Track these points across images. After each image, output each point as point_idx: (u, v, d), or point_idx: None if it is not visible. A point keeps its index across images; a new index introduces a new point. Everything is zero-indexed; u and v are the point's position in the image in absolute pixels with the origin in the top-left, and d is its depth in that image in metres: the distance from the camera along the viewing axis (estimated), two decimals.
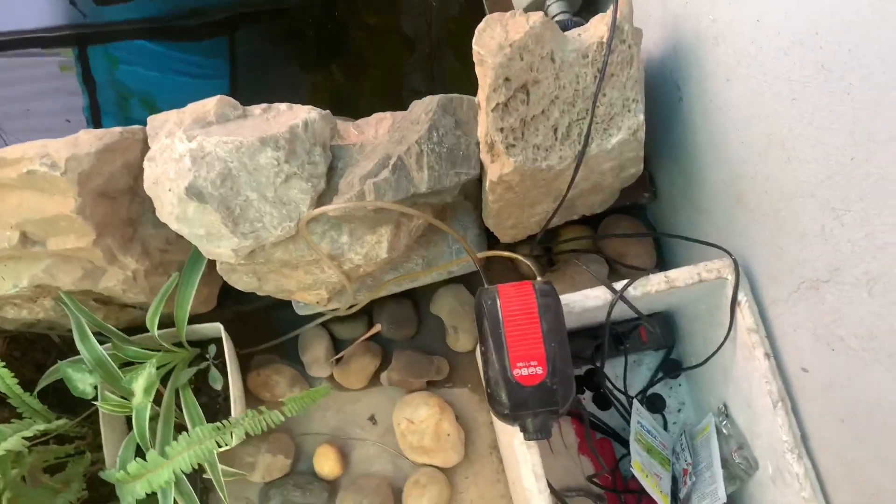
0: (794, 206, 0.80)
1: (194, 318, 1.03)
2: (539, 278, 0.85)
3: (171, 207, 0.81)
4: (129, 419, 0.96)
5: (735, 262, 0.91)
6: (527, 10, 1.13)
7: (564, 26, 1.07)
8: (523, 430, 0.79)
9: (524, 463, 0.84)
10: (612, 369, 1.13)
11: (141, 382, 0.86)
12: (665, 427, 1.13)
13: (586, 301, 0.90)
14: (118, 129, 0.85)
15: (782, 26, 0.74)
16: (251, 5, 1.55)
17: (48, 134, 1.45)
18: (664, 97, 1.05)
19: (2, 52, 1.51)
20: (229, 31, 1.53)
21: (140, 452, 0.90)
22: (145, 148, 0.86)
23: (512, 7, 1.20)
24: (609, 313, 0.90)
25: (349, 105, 1.48)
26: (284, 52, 1.51)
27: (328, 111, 0.91)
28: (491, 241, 1.12)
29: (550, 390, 0.77)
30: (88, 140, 0.82)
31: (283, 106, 0.90)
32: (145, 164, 0.82)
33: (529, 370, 0.78)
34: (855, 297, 0.74)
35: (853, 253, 0.72)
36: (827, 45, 0.68)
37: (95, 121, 1.47)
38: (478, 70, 0.82)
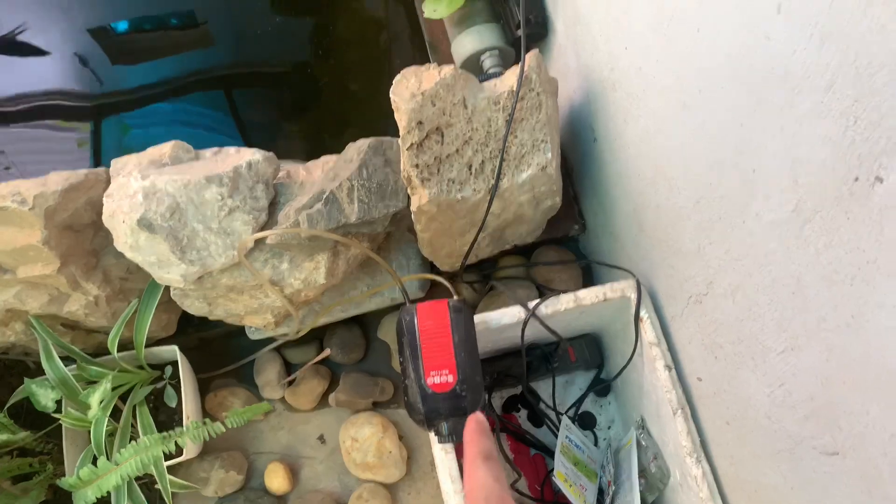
0: (678, 229, 0.90)
1: (157, 342, 1.13)
2: (455, 297, 0.95)
3: (125, 237, 0.91)
4: (89, 434, 1.04)
5: (637, 282, 1.01)
6: (463, 65, 1.27)
7: (497, 76, 1.20)
8: (437, 434, 0.87)
9: (441, 465, 0.92)
10: (548, 389, 1.21)
11: (97, 396, 0.95)
12: (596, 443, 1.21)
13: (503, 318, 0.99)
14: (84, 170, 0.96)
15: (656, 73, 0.86)
16: (249, 65, 1.69)
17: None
18: (583, 138, 1.16)
19: (28, 122, 1.65)
20: (227, 87, 1.67)
21: (95, 463, 0.98)
22: (108, 186, 0.97)
23: (454, 64, 1.33)
24: (523, 329, 0.99)
25: (333, 148, 1.60)
26: (278, 110, 1.65)
27: (272, 153, 1.02)
28: (435, 270, 1.22)
29: (460, 396, 0.86)
30: (56, 180, 0.93)
31: (231, 149, 1.01)
32: (104, 199, 0.92)
33: (441, 378, 0.87)
34: (725, 307, 0.83)
35: (720, 267, 0.82)
36: (686, 87, 0.79)
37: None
38: (396, 115, 0.93)
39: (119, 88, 1.67)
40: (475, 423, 0.61)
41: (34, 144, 1.65)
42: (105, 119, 1.65)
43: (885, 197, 0.53)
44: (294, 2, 1.69)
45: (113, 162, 0.98)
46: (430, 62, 1.41)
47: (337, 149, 1.60)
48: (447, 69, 0.92)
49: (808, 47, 0.57)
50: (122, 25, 1.72)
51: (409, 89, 0.90)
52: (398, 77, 0.92)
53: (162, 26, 1.74)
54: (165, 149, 0.97)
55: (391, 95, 0.91)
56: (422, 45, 1.45)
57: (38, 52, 1.73)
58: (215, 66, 1.68)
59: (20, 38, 1.73)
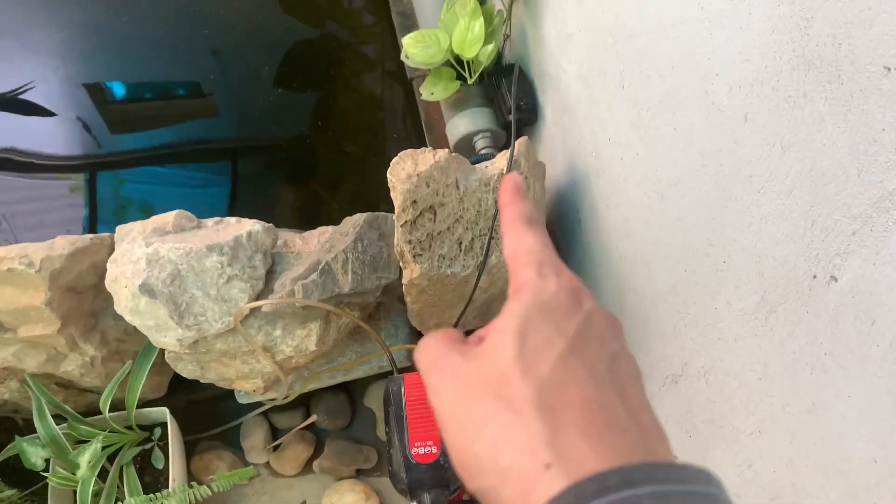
0: (656, 311, 0.95)
1: (147, 403, 1.15)
2: None
3: (126, 302, 0.95)
4: (76, 493, 1.05)
5: None
6: (456, 146, 1.34)
7: (487, 158, 1.27)
8: None
9: None
10: None
11: (86, 456, 0.97)
12: None
13: None
14: (89, 235, 1.01)
15: (636, 165, 0.92)
16: (253, 139, 1.77)
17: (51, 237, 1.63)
18: (568, 220, 1.22)
19: (24, 173, 1.70)
20: (232, 157, 1.74)
21: None
22: (112, 252, 1.01)
23: (447, 142, 1.40)
24: None
25: (323, 219, 1.66)
26: (277, 174, 1.72)
27: (271, 224, 1.07)
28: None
29: (444, 468, 0.88)
30: (62, 244, 0.97)
31: (232, 219, 1.06)
32: (108, 264, 0.96)
33: (426, 449, 0.89)
34: (698, 387, 0.87)
35: (694, 349, 0.86)
36: (664, 179, 0.85)
37: (92, 228, 1.64)
38: (392, 194, 0.98)
39: (117, 149, 1.73)
40: (512, 184, 0.43)
41: (25, 193, 1.69)
42: (100, 171, 1.71)
43: (840, 295, 0.58)
44: (297, 78, 1.78)
45: (118, 228, 1.03)
46: (425, 139, 1.49)
47: (331, 216, 1.67)
48: (442, 153, 0.98)
49: (772, 154, 0.63)
50: (121, 90, 1.80)
51: (405, 170, 0.96)
52: (395, 159, 0.98)
53: (166, 95, 1.82)
54: (169, 217, 1.01)
55: (388, 175, 0.97)
56: (417, 123, 1.52)
57: (42, 111, 1.79)
58: (217, 137, 1.76)
59: (24, 97, 1.79)
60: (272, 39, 1.81)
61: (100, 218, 1.65)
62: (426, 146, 1.48)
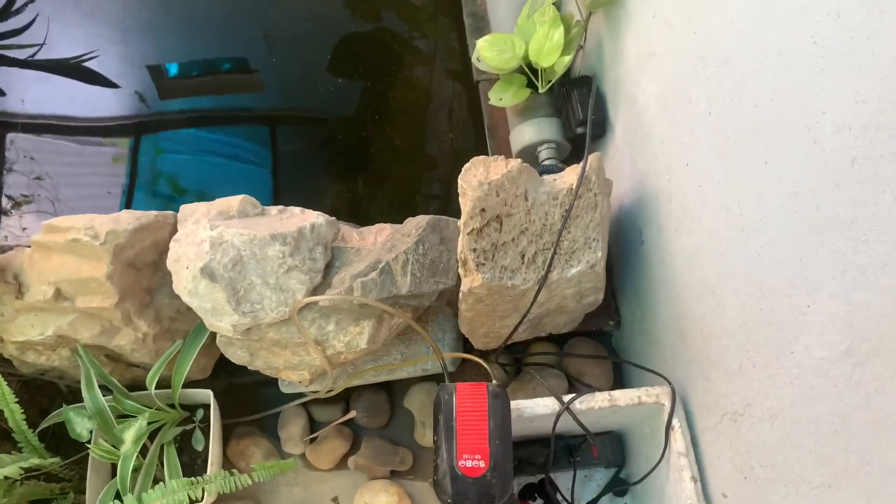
0: (721, 345, 0.92)
1: (189, 384, 1.15)
2: (494, 381, 0.97)
3: (185, 283, 0.94)
4: (114, 467, 1.05)
5: (673, 389, 1.02)
6: (519, 154, 1.32)
7: (550, 170, 1.25)
8: None
9: None
10: (566, 481, 1.21)
11: (132, 433, 0.97)
12: None
13: (536, 408, 1.01)
14: (154, 212, 1.01)
15: (715, 193, 0.89)
16: (294, 110, 1.77)
17: (92, 201, 1.65)
18: (630, 239, 1.19)
19: (69, 135, 1.73)
20: (272, 125, 1.75)
21: (119, 499, 0.99)
22: (174, 230, 1.01)
23: (510, 149, 1.38)
24: (555, 422, 1.00)
25: (365, 210, 1.65)
26: (318, 154, 1.71)
27: (334, 218, 1.06)
28: (467, 346, 1.24)
29: (489, 483, 0.87)
30: (128, 219, 0.97)
31: (296, 209, 1.06)
32: (171, 243, 0.96)
33: (473, 462, 0.88)
34: (761, 430, 0.84)
35: (761, 391, 0.83)
36: (746, 213, 0.82)
37: (129, 193, 1.65)
38: (461, 200, 0.97)
39: (161, 110, 1.75)
40: None
41: (69, 158, 1.71)
42: (143, 136, 1.72)
43: None
44: (355, 66, 1.77)
45: (182, 208, 1.03)
46: (486, 144, 1.47)
47: (375, 208, 1.65)
48: (514, 163, 0.97)
49: (880, 203, 0.60)
50: (174, 69, 1.82)
51: (476, 178, 0.94)
52: (468, 165, 0.96)
53: (212, 70, 1.82)
54: (234, 202, 1.01)
55: (460, 181, 0.95)
56: (480, 127, 1.50)
57: (105, 81, 1.81)
58: (261, 109, 1.76)
59: (88, 64, 1.81)
60: (334, 27, 1.80)
61: (137, 185, 1.67)
62: (486, 150, 1.46)
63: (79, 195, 1.68)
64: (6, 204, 1.64)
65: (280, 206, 1.06)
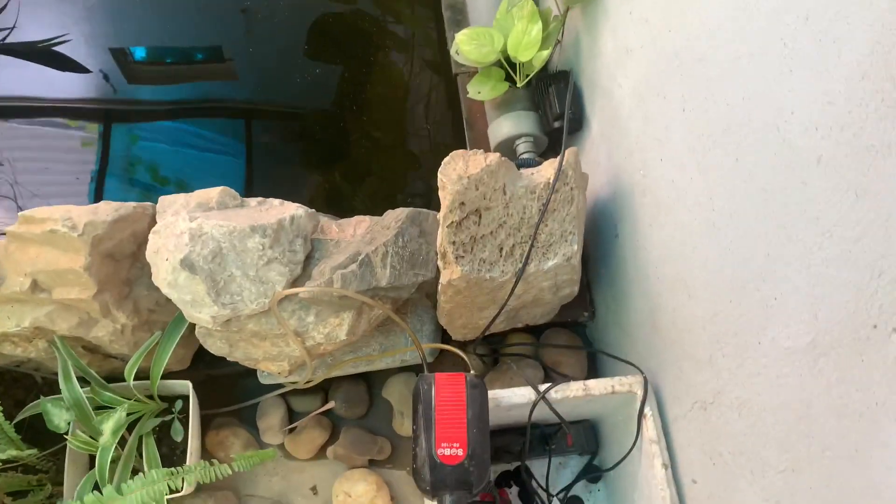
0: (692, 336, 0.95)
1: (168, 375, 1.15)
2: (472, 372, 0.98)
3: (165, 274, 0.95)
4: (91, 459, 1.05)
5: (645, 379, 1.05)
6: (497, 148, 1.33)
7: (527, 163, 1.27)
8: None
9: None
10: (541, 468, 1.23)
11: (111, 424, 0.97)
12: None
13: (513, 398, 1.03)
14: (133, 203, 1.00)
15: (688, 189, 0.91)
16: (269, 104, 1.76)
17: (58, 188, 1.62)
18: (605, 232, 1.21)
19: (32, 118, 1.70)
20: (247, 118, 1.73)
21: (98, 490, 0.99)
22: (152, 222, 1.01)
23: (488, 142, 1.39)
24: (531, 410, 1.03)
25: (345, 204, 1.65)
26: (294, 147, 1.70)
27: (314, 210, 1.07)
28: (445, 337, 1.26)
29: (467, 471, 0.89)
30: (106, 210, 0.97)
31: (276, 201, 1.06)
32: (151, 235, 0.96)
33: (451, 451, 0.89)
34: (730, 418, 0.87)
35: (730, 380, 0.86)
36: (718, 208, 0.85)
37: (100, 180, 1.63)
38: (440, 193, 0.98)
39: (132, 98, 1.73)
40: None
41: (33, 141, 1.69)
42: (114, 123, 1.70)
43: None
44: (330, 52, 1.76)
45: (161, 199, 1.02)
46: (464, 136, 1.48)
47: (351, 200, 1.66)
48: (493, 157, 0.98)
49: (844, 200, 0.62)
50: (140, 53, 1.79)
51: (456, 171, 0.96)
52: (447, 159, 0.97)
53: (186, 59, 1.81)
54: (213, 193, 1.01)
55: (439, 175, 0.96)
56: (458, 119, 1.52)
57: (76, 66, 1.78)
58: (235, 99, 1.75)
59: (59, 49, 1.78)
60: (310, 12, 1.78)
61: (109, 171, 1.65)
62: (465, 143, 1.48)
63: (44, 181, 1.65)
64: None
65: (259, 198, 1.06)
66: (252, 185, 1.64)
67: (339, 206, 1.62)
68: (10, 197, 1.59)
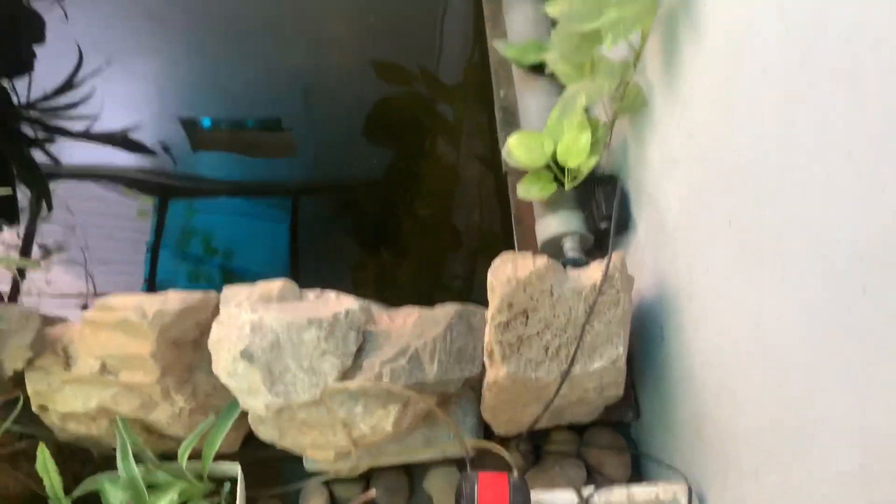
0: (737, 447, 0.94)
1: (217, 456, 1.18)
2: (515, 472, 0.99)
3: (225, 364, 0.99)
4: None
5: (690, 488, 1.04)
6: (544, 245, 1.37)
7: (574, 262, 1.30)
8: None
9: None
10: None
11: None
12: None
13: (555, 500, 1.03)
14: (199, 293, 1.07)
15: (734, 300, 0.93)
16: (322, 180, 1.85)
17: (117, 254, 1.70)
18: (650, 333, 1.23)
19: (101, 187, 1.82)
20: (299, 192, 1.82)
21: None
22: (216, 311, 1.06)
23: (535, 237, 1.44)
24: None
25: (389, 280, 1.70)
26: (344, 223, 1.77)
27: (367, 302, 1.11)
28: (487, 430, 1.27)
29: None
30: (175, 299, 1.03)
31: (332, 294, 1.11)
32: (214, 325, 1.02)
33: None
34: None
35: (775, 494, 0.85)
36: (765, 325, 0.86)
37: (154, 250, 1.72)
38: (489, 293, 1.02)
39: (193, 172, 1.83)
40: None
41: (101, 208, 1.79)
42: (172, 198, 1.80)
43: None
44: (385, 134, 1.85)
45: (225, 289, 1.09)
46: (512, 231, 1.53)
47: (393, 281, 1.70)
48: (541, 260, 1.02)
49: (888, 334, 0.64)
50: (207, 122, 1.91)
51: (505, 273, 1.00)
52: (497, 261, 1.02)
53: (246, 130, 1.92)
54: (275, 286, 1.07)
55: (489, 276, 1.01)
56: (507, 212, 1.57)
57: (146, 150, 1.91)
58: (290, 174, 1.84)
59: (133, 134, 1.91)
60: (365, 95, 1.88)
61: (163, 243, 1.73)
62: (512, 236, 1.52)
63: (109, 247, 1.75)
64: (36, 254, 1.71)
65: (317, 291, 1.11)
66: (299, 259, 1.70)
67: (387, 284, 1.66)
68: (80, 263, 1.69)
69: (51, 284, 1.68)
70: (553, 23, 1.23)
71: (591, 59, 1.22)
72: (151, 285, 1.66)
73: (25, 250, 1.70)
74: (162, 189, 1.81)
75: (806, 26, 0.73)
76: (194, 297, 1.06)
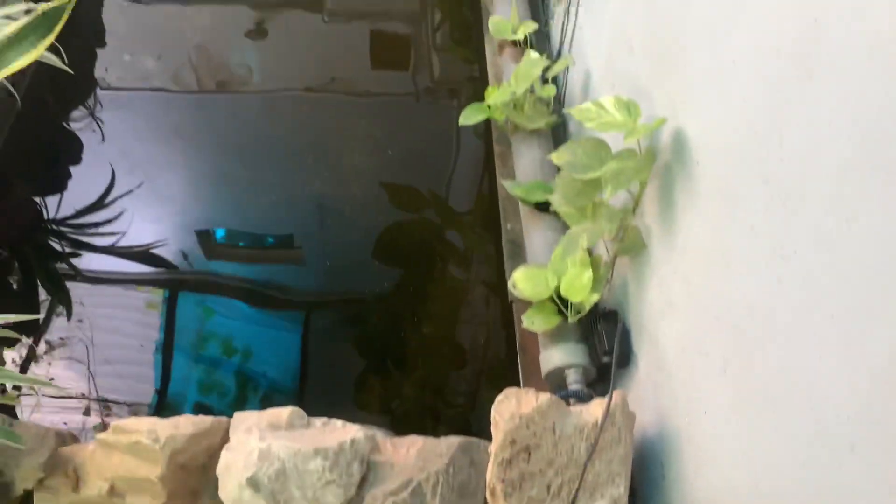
0: None
1: None
2: None
3: (231, 490, 1.01)
4: None
5: None
6: (548, 374, 1.40)
7: (576, 394, 1.33)
8: None
9: None
10: None
11: None
12: None
13: None
14: (210, 418, 1.10)
15: (732, 448, 0.95)
16: (331, 294, 1.91)
17: (126, 354, 1.72)
18: (652, 470, 1.23)
19: (114, 286, 1.88)
20: (309, 304, 1.87)
21: None
22: (226, 436, 1.09)
23: (539, 365, 1.47)
24: None
25: (393, 399, 1.72)
26: (353, 336, 1.81)
27: (372, 430, 1.14)
28: None
29: None
30: (185, 424, 1.06)
31: (338, 423, 1.14)
32: (223, 451, 1.04)
33: None
34: None
35: None
36: (761, 474, 0.88)
37: (167, 352, 1.75)
38: (493, 429, 1.04)
39: (204, 269, 1.89)
40: None
41: (106, 299, 1.84)
42: (183, 292, 1.85)
43: None
44: (394, 255, 1.92)
45: (235, 415, 1.12)
46: (517, 358, 1.56)
47: (395, 396, 1.71)
48: (544, 397, 1.05)
49: (877, 490, 0.66)
50: (223, 235, 1.99)
51: (509, 410, 1.03)
52: (501, 396, 1.05)
53: (259, 243, 2.00)
54: (284, 413, 1.10)
55: (493, 411, 1.04)
56: (511, 340, 1.61)
57: (167, 264, 1.98)
58: (299, 286, 1.90)
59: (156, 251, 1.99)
60: (379, 220, 1.97)
61: (177, 345, 1.76)
62: (517, 364, 1.55)
63: (115, 343, 1.77)
64: (41, 348, 1.73)
65: (324, 419, 1.14)
66: (307, 368, 1.73)
67: (390, 399, 1.68)
68: (83, 361, 1.71)
69: (54, 380, 1.70)
70: (557, 166, 1.32)
71: (593, 203, 1.30)
72: (164, 386, 1.68)
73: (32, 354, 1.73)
74: (176, 293, 1.87)
75: (789, 195, 0.80)
76: (206, 421, 1.09)
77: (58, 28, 1.40)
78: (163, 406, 1.64)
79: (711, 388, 1.01)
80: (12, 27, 1.44)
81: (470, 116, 1.70)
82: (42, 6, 1.36)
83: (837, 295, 0.71)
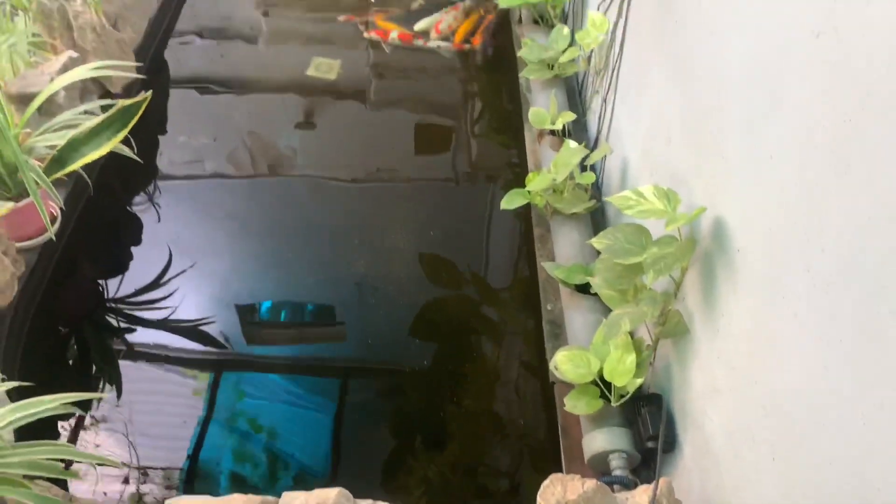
0: None
1: None
2: None
3: None
4: None
5: None
6: (591, 459, 1.39)
7: (620, 481, 1.31)
8: None
9: None
10: None
11: None
12: None
13: None
14: (259, 498, 1.11)
15: None
16: (368, 370, 1.93)
17: (171, 430, 1.75)
18: None
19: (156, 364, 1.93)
20: (343, 377, 1.90)
21: None
22: None
23: (581, 448, 1.46)
24: None
25: (429, 480, 1.70)
26: (384, 415, 1.82)
27: None
28: None
29: None
30: (238, 501, 1.08)
31: None
32: None
33: None
34: None
35: None
36: None
37: (204, 426, 1.78)
38: None
39: (243, 351, 1.93)
40: None
41: (150, 385, 1.88)
42: (225, 372, 1.88)
43: None
44: (432, 332, 1.94)
45: (284, 495, 1.13)
46: (559, 441, 1.55)
47: (428, 474, 1.69)
48: (590, 484, 1.05)
49: None
50: (267, 311, 2.04)
51: (554, 496, 1.03)
52: (546, 482, 1.05)
53: (300, 320, 2.04)
54: (331, 494, 1.11)
55: (538, 498, 1.04)
56: (553, 423, 1.60)
57: (213, 340, 2.03)
58: (337, 360, 1.92)
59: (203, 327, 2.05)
60: (416, 289, 2.01)
61: (214, 419, 1.79)
62: (559, 447, 1.54)
63: (154, 421, 1.81)
64: (88, 420, 1.76)
65: (369, 501, 1.15)
66: (340, 443, 1.73)
67: (427, 479, 1.66)
68: (122, 432, 1.75)
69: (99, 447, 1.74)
70: (597, 250, 1.35)
71: (634, 286, 1.32)
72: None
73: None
74: (217, 367, 1.93)
75: (832, 283, 0.82)
76: (254, 501, 1.10)
77: (132, 123, 1.52)
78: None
79: (759, 474, 1.00)
80: (91, 123, 1.57)
81: (511, 201, 1.76)
82: (121, 102, 1.48)
83: (887, 385, 0.72)
